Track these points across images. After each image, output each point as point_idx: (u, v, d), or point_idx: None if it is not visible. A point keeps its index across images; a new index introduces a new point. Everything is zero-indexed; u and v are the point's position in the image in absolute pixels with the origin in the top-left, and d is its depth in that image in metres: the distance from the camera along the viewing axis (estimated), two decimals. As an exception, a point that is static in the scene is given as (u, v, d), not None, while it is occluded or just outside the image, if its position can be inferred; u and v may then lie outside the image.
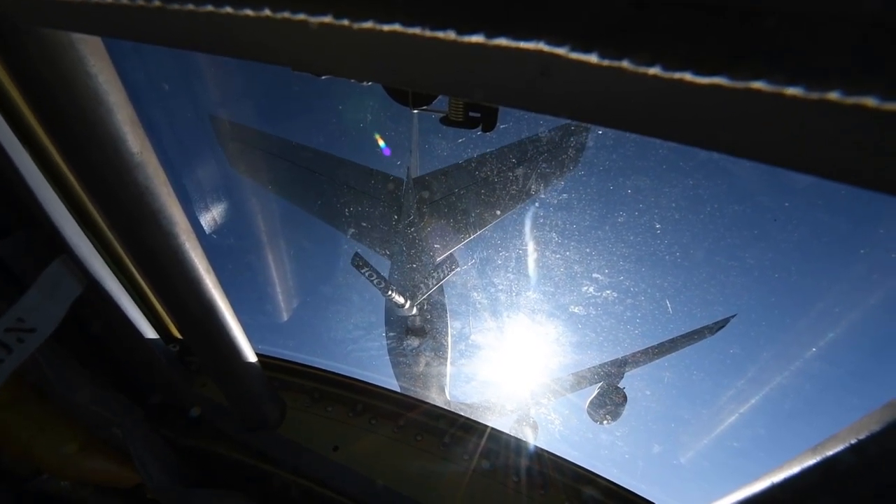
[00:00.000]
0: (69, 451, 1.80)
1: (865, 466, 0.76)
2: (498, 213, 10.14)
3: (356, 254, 7.33)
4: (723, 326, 10.04)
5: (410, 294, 8.15)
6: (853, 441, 0.76)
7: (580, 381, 10.69)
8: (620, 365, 10.35)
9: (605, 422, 10.23)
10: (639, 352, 10.47)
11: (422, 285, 8.07)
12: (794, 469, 0.89)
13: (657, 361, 10.66)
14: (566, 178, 10.38)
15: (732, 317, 10.09)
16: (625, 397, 10.04)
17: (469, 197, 9.97)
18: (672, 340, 10.32)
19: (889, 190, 0.36)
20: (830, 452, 0.80)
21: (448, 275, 7.86)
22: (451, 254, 8.30)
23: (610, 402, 9.99)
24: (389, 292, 7.43)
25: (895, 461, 0.73)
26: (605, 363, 10.44)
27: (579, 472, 1.90)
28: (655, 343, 10.49)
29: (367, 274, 7.25)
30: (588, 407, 10.21)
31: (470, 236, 10.31)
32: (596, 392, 10.19)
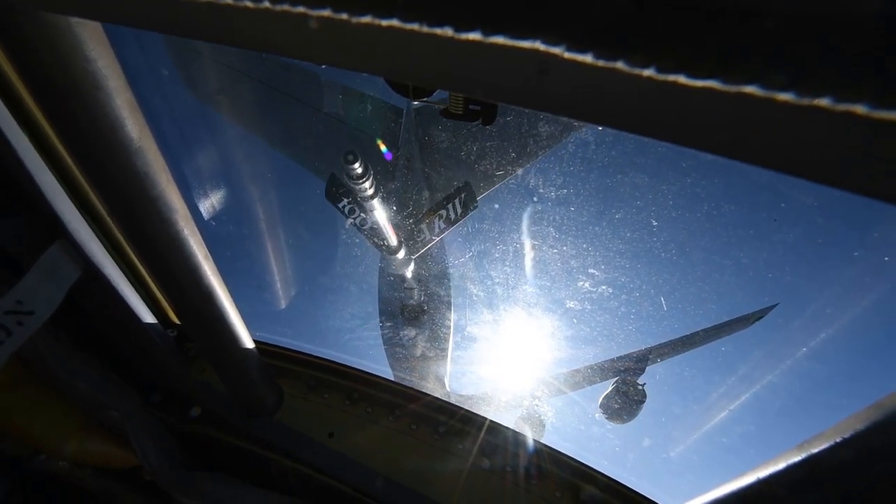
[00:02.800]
0: (67, 432, 1.83)
1: (849, 464, 0.77)
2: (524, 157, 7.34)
3: (331, 177, 5.16)
4: (761, 317, 8.75)
5: (410, 241, 5.78)
6: (838, 439, 0.77)
7: (594, 375, 9.49)
8: (641, 359, 9.06)
9: (619, 420, 9.09)
10: (664, 344, 9.15)
11: (424, 227, 5.59)
12: (780, 465, 0.90)
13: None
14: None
15: (774, 306, 8.75)
16: (644, 395, 8.79)
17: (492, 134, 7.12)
18: (703, 332, 9.03)
19: (879, 196, 0.36)
20: (816, 450, 0.82)
21: (465, 212, 5.40)
22: (467, 182, 5.53)
23: (626, 399, 8.84)
24: (374, 217, 4.85)
25: (878, 460, 0.74)
26: (624, 356, 9.23)
27: (573, 465, 1.93)
28: (685, 334, 9.14)
29: (347, 208, 5.19)
30: (601, 403, 9.10)
31: (497, 180, 7.50)
32: (611, 388, 9.06)
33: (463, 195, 5.40)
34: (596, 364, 9.47)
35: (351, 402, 2.03)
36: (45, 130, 1.28)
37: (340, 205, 5.16)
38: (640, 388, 8.87)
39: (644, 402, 8.83)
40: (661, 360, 9.29)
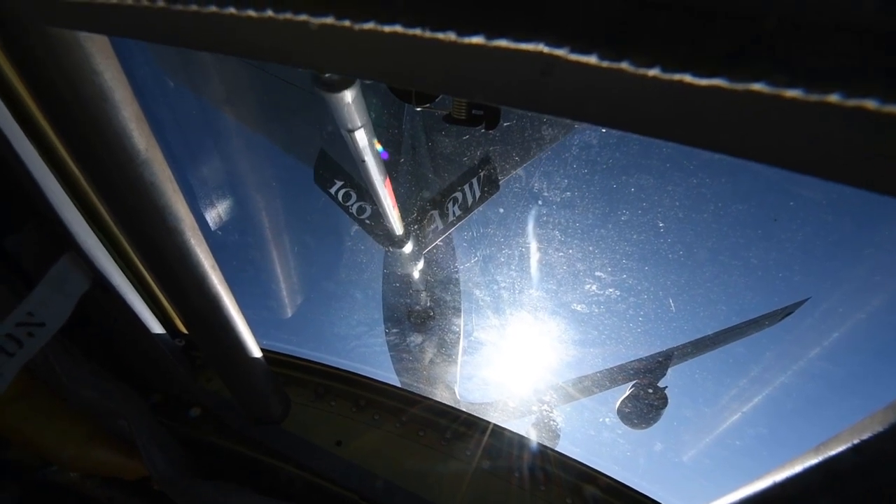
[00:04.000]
0: (77, 442, 1.83)
1: (866, 467, 0.76)
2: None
3: (321, 155, 4.15)
4: (791, 312, 8.10)
5: (418, 233, 4.57)
6: (855, 442, 0.76)
7: (612, 379, 8.81)
8: (662, 361, 8.36)
9: (637, 426, 8.56)
10: (687, 344, 8.50)
11: (435, 215, 4.39)
12: (796, 468, 0.89)
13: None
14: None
15: (804, 301, 8.13)
16: (665, 399, 8.12)
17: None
18: (729, 330, 8.42)
19: (891, 192, 0.36)
20: (832, 453, 0.80)
21: (485, 195, 4.23)
22: (487, 157, 4.34)
23: (646, 403, 8.23)
24: (377, 193, 3.49)
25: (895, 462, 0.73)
26: (643, 358, 8.60)
27: (581, 469, 1.91)
28: (709, 333, 8.46)
29: (341, 193, 4.19)
30: (618, 408, 8.50)
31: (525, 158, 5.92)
32: (629, 391, 8.43)
33: (482, 174, 4.19)
34: (613, 367, 8.89)
35: (358, 409, 2.03)
36: (54, 143, 1.30)
37: (333, 189, 4.13)
38: (662, 391, 8.21)
39: (665, 406, 8.19)
40: (685, 361, 8.68)
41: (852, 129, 0.31)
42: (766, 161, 0.36)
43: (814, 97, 0.30)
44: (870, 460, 0.75)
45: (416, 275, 5.40)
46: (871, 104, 0.30)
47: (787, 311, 8.12)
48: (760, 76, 0.31)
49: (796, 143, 0.34)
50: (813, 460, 0.85)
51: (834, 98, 0.30)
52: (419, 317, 6.60)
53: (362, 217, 4.37)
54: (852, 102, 0.30)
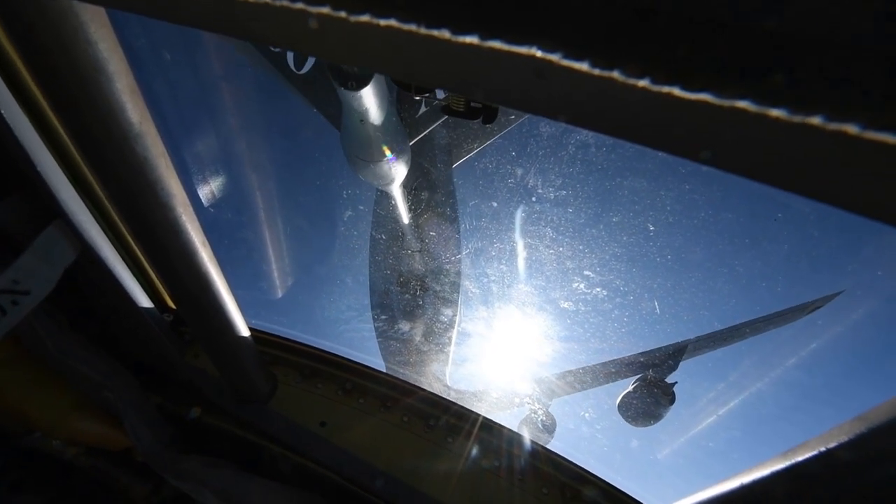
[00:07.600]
0: (61, 411, 1.84)
1: (830, 475, 0.79)
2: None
3: None
4: (821, 306, 7.50)
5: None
6: (821, 450, 0.78)
7: (617, 371, 8.28)
8: (674, 354, 7.71)
9: (639, 423, 8.00)
10: (704, 337, 7.87)
11: None
12: (764, 472, 0.92)
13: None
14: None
15: (838, 294, 7.56)
16: (672, 396, 7.51)
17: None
18: (749, 323, 7.73)
19: (868, 213, 0.37)
20: (799, 459, 0.83)
21: None
22: None
23: (652, 399, 7.62)
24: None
25: (859, 472, 0.75)
26: (653, 350, 7.96)
27: (562, 464, 1.95)
28: (729, 325, 7.81)
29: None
30: (620, 403, 7.95)
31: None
32: (633, 386, 7.85)
33: None
34: (619, 359, 8.32)
35: (343, 392, 2.05)
36: (46, 112, 1.27)
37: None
38: (670, 387, 7.62)
39: (672, 404, 7.60)
40: (699, 355, 8.05)
41: (832, 150, 0.32)
42: (747, 176, 0.37)
43: (797, 118, 0.31)
44: (834, 468, 0.77)
45: (404, 209, 4.04)
46: (851, 129, 0.30)
47: (815, 305, 7.50)
48: (746, 94, 0.31)
49: (778, 161, 0.35)
50: (780, 465, 0.87)
51: (816, 120, 0.31)
52: (410, 305, 6.25)
53: (303, 71, 3.00)
54: (833, 126, 0.30)
